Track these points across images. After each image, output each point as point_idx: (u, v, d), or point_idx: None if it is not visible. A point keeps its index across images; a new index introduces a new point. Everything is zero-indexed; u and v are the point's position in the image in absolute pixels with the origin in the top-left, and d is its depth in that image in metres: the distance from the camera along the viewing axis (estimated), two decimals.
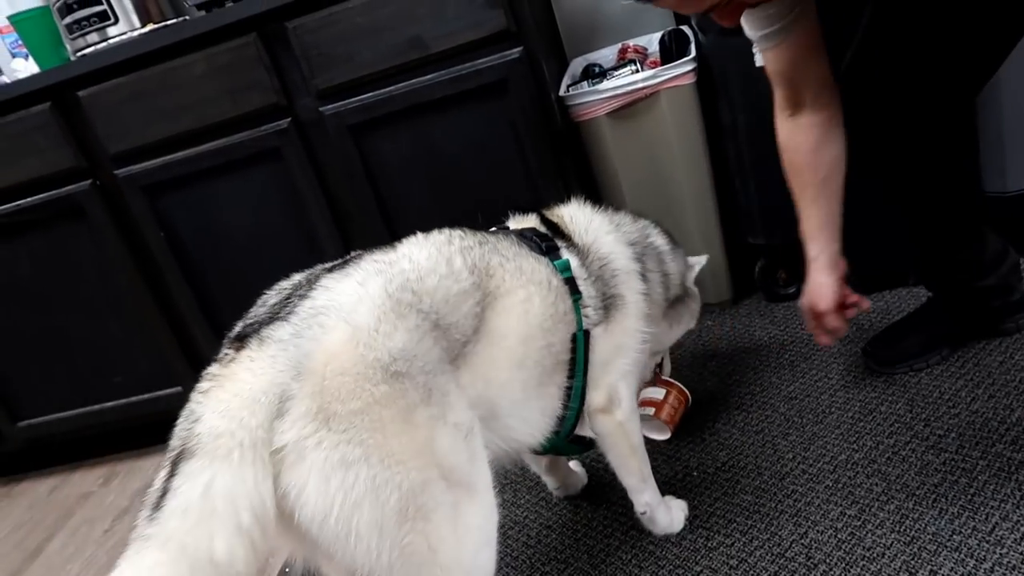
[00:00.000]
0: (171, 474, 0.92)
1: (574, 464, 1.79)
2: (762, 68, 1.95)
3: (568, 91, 2.14)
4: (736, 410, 1.85)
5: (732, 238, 2.24)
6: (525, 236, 1.39)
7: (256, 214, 2.17)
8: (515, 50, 1.95)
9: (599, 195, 2.26)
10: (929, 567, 1.30)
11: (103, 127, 2.11)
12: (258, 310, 1.10)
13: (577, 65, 2.38)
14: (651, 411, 1.78)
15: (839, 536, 1.42)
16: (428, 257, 1.18)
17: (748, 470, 1.65)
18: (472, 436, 1.12)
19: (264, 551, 0.93)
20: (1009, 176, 2.03)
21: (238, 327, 1.07)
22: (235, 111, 2.06)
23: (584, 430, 1.46)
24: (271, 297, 1.12)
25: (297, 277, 1.16)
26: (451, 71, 1.98)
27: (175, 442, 0.95)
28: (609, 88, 2.05)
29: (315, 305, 1.04)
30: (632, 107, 2.06)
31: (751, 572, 1.41)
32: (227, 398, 0.95)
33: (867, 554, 1.37)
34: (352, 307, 1.04)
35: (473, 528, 1.08)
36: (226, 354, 1.01)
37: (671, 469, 1.74)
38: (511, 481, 1.84)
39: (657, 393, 1.82)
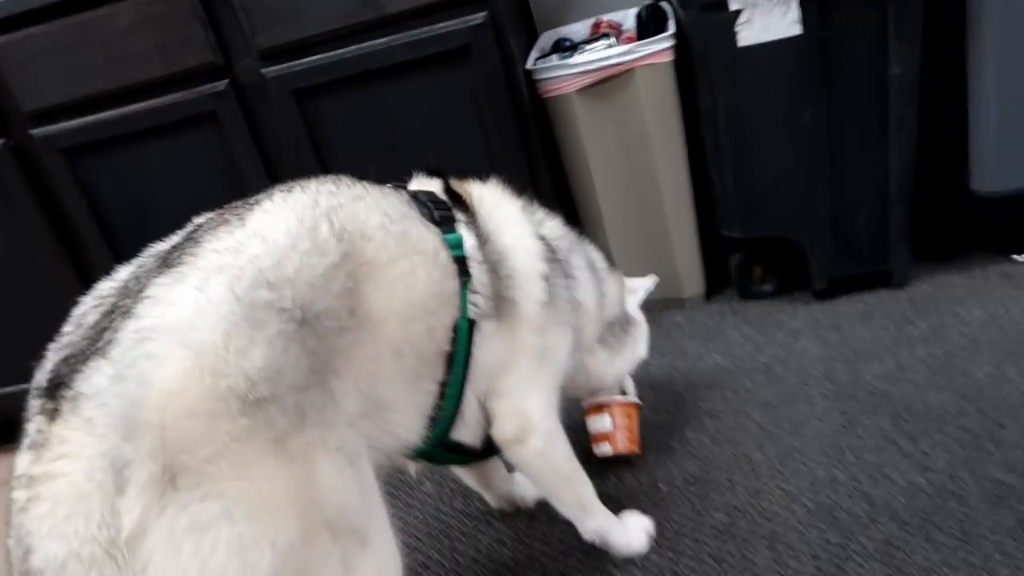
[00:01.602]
0: None
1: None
2: (745, 48, 1.83)
3: (536, 64, 1.97)
4: (707, 416, 1.72)
5: (707, 229, 2.10)
6: (418, 199, 1.19)
7: (190, 185, 1.97)
8: (479, 15, 1.77)
9: (566, 178, 2.10)
10: None
11: (16, 82, 1.88)
12: (74, 334, 0.86)
13: (547, 39, 2.20)
14: (608, 447, 1.59)
15: (820, 565, 1.29)
16: (286, 231, 0.96)
17: (720, 484, 1.52)
18: (359, 460, 0.93)
19: None
20: (998, 176, 1.92)
21: (49, 365, 0.85)
22: (166, 69, 1.85)
23: (461, 435, 1.26)
24: (89, 312, 0.88)
25: (123, 274, 0.93)
26: (409, 35, 1.79)
27: None
28: (581, 62, 1.89)
29: (140, 327, 0.82)
30: (605, 84, 1.91)
31: None
32: (49, 510, 0.76)
33: None
34: (190, 324, 0.83)
35: None
36: (37, 429, 0.80)
37: (635, 479, 1.60)
38: (461, 487, 1.68)
39: (602, 423, 1.61)
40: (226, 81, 1.87)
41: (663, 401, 1.81)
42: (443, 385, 1.15)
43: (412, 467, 1.44)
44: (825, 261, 1.96)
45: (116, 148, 1.94)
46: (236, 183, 1.95)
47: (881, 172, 1.85)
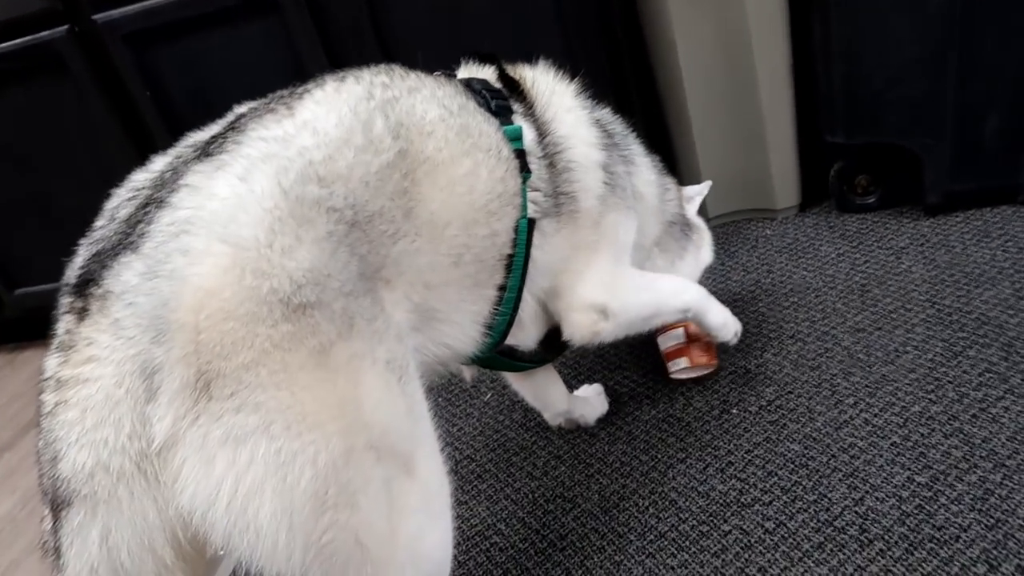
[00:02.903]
0: (56, 525, 0.72)
1: (586, 390, 1.55)
2: None
3: None
4: (790, 339, 1.57)
5: (807, 133, 1.90)
6: (473, 88, 1.08)
7: (253, 77, 1.90)
8: None
9: (651, 72, 1.92)
10: (1016, 560, 1.05)
11: None
12: (106, 228, 0.80)
13: None
14: (684, 362, 1.50)
15: (903, 508, 1.17)
16: (339, 123, 0.87)
17: (798, 413, 1.39)
18: (408, 378, 0.85)
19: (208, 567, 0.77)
20: None
21: (79, 261, 0.80)
22: None
23: (517, 339, 1.18)
24: (122, 205, 0.82)
25: (158, 164, 0.86)
26: None
27: (45, 483, 0.73)
28: None
29: (176, 219, 0.75)
30: None
31: (790, 539, 1.18)
32: (77, 417, 0.71)
33: (937, 535, 1.11)
34: (230, 217, 0.75)
35: (412, 511, 0.83)
36: (65, 329, 0.75)
37: (705, 403, 1.49)
38: (521, 400, 1.61)
39: (675, 338, 1.52)
40: None
41: (742, 320, 1.65)
42: (501, 290, 1.07)
43: (467, 372, 1.38)
44: (942, 172, 1.74)
45: (179, 37, 1.88)
46: (300, 76, 1.86)
47: (1022, 70, 1.60)
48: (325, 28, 1.83)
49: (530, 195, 1.05)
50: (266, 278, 0.74)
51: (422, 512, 0.84)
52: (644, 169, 1.31)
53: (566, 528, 1.33)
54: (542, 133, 1.09)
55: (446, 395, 1.74)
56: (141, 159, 2.10)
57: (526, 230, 1.05)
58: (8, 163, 2.16)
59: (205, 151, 0.82)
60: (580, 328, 1.18)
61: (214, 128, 0.89)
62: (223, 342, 0.71)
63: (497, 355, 1.16)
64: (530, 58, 1.29)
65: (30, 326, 2.61)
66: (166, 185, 0.80)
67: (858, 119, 1.77)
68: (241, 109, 0.92)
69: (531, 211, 1.05)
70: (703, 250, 1.50)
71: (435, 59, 1.78)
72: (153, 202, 0.78)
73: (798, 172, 1.94)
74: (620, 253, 1.22)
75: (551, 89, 1.15)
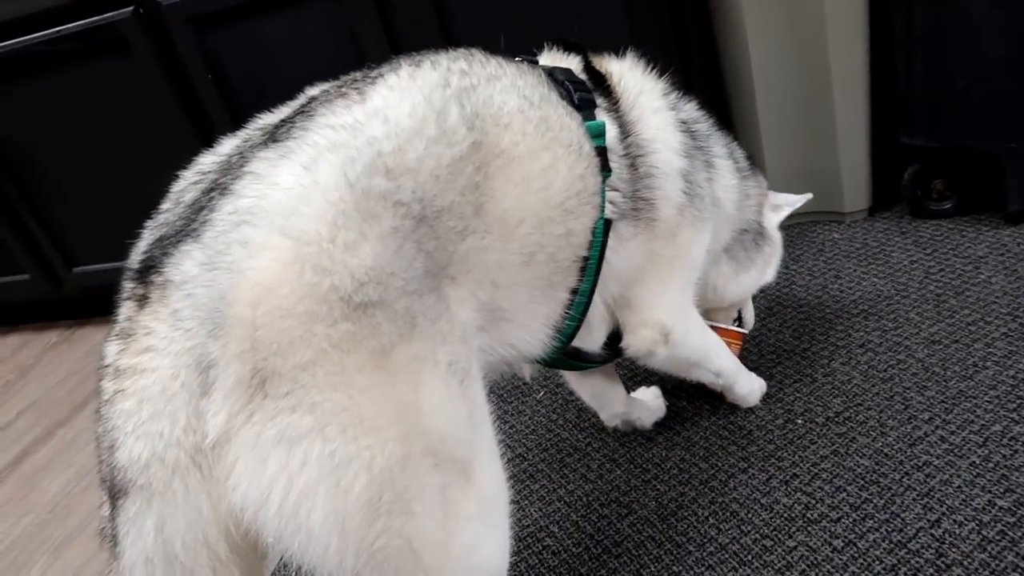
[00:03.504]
0: (113, 512, 0.72)
1: (644, 392, 1.51)
2: None
3: None
4: (859, 348, 1.51)
5: (881, 133, 1.81)
6: (555, 78, 1.03)
7: (313, 62, 1.88)
8: None
9: (719, 62, 1.86)
10: None
11: None
12: (171, 212, 0.79)
13: None
14: None
15: (984, 533, 1.10)
16: (411, 112, 0.83)
17: (869, 427, 1.33)
18: (471, 381, 0.82)
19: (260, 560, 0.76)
20: None
21: (143, 245, 0.78)
22: None
23: (583, 342, 1.14)
24: (188, 189, 0.80)
25: (226, 147, 0.83)
26: None
27: (103, 470, 0.73)
28: None
29: (237, 208, 0.73)
30: None
31: (860, 560, 1.12)
32: (134, 407, 0.70)
33: (1022, 565, 1.05)
34: (293, 208, 0.72)
35: (468, 519, 0.79)
36: (126, 316, 0.74)
37: (768, 411, 1.43)
38: (576, 398, 1.57)
39: None
40: None
41: (808, 326, 1.60)
42: (572, 293, 1.03)
43: (527, 370, 1.35)
44: None
45: (241, 21, 1.87)
46: (361, 63, 1.84)
47: None
48: (387, 13, 1.80)
49: (609, 195, 1.01)
50: (327, 275, 0.71)
51: (478, 521, 0.81)
52: (724, 173, 1.25)
53: (621, 534, 1.29)
54: (625, 132, 1.05)
55: (498, 391, 1.71)
56: (200, 141, 2.11)
57: (603, 231, 1.00)
58: (69, 142, 2.19)
59: (272, 136, 0.79)
60: (642, 342, 1.17)
61: (284, 111, 0.86)
62: (280, 340, 0.69)
63: (562, 356, 1.12)
64: (595, 46, 1.25)
65: (88, 303, 2.66)
66: (231, 170, 0.78)
67: (938, 120, 1.69)
68: (313, 91, 0.89)
69: (608, 211, 1.01)
70: (769, 267, 1.44)
71: (495, 48, 1.74)
72: (217, 188, 0.76)
73: (869, 173, 1.86)
74: (692, 278, 1.21)
75: (639, 87, 1.10)
